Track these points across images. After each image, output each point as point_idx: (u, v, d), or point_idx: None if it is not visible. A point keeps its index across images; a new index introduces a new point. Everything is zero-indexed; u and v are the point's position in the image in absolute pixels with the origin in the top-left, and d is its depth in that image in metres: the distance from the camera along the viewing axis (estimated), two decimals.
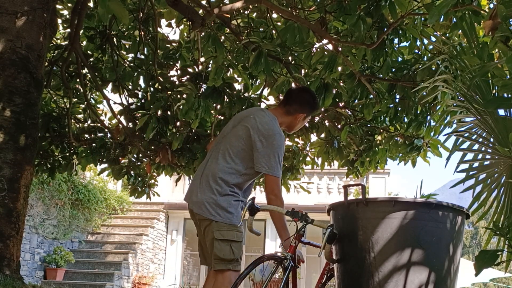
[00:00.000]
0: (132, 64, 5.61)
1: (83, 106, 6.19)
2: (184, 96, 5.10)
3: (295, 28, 4.18)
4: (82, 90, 5.75)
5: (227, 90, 5.05)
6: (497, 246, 2.80)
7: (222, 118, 5.56)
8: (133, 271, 12.71)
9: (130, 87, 5.71)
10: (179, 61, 5.63)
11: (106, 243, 13.15)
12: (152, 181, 6.80)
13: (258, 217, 3.12)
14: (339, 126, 5.79)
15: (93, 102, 6.45)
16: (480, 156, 3.07)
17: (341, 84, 4.91)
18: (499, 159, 2.86)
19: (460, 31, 3.86)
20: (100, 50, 5.42)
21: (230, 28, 4.92)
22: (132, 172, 6.42)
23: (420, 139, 5.63)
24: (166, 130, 5.59)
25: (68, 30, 5.40)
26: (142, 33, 5.28)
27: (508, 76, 2.65)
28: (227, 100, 5.10)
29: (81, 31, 5.23)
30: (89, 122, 6.28)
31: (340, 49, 4.38)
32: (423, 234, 2.68)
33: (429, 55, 4.79)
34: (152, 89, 5.60)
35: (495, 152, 2.86)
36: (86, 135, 6.15)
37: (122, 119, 5.75)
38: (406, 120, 5.31)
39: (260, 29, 5.09)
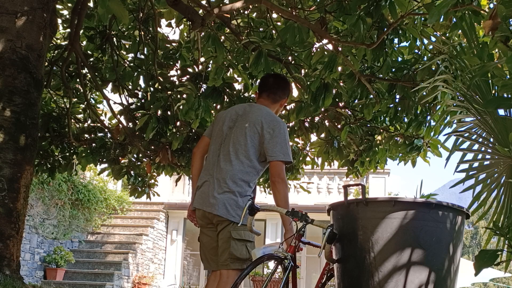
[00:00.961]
0: (132, 64, 5.60)
1: (83, 106, 6.19)
2: (184, 96, 5.10)
3: (295, 28, 4.18)
4: (82, 90, 5.75)
5: (227, 90, 5.06)
6: (497, 246, 2.80)
7: None
8: (133, 271, 12.71)
9: (130, 87, 5.70)
10: (179, 61, 5.63)
11: (106, 243, 13.15)
12: (152, 181, 6.80)
13: (258, 217, 3.13)
14: (339, 126, 5.80)
15: (93, 102, 6.45)
16: (480, 156, 3.07)
17: (341, 84, 4.91)
18: (499, 159, 2.86)
19: (460, 31, 3.86)
20: (100, 50, 5.42)
21: (230, 28, 4.92)
22: (132, 172, 6.42)
23: (420, 139, 5.64)
24: (166, 130, 5.59)
25: (68, 30, 5.40)
26: (142, 33, 5.28)
27: (508, 76, 2.66)
28: (227, 100, 5.10)
29: (81, 31, 5.23)
30: (89, 122, 6.28)
31: (340, 49, 4.38)
32: (423, 234, 2.68)
33: (429, 55, 4.79)
34: (152, 89, 5.60)
35: (495, 152, 2.86)
36: (86, 135, 6.15)
37: (122, 119, 5.75)
38: (406, 120, 5.31)
39: (260, 29, 5.09)
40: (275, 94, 3.49)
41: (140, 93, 5.88)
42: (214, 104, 5.19)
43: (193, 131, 5.66)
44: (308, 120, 5.95)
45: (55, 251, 11.35)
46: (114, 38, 5.41)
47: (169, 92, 5.35)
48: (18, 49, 3.76)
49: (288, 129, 6.01)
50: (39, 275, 11.02)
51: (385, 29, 4.01)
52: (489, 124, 2.84)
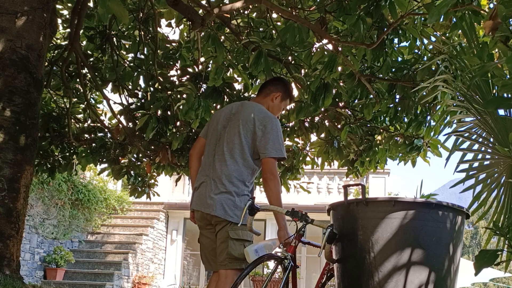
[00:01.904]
0: (132, 64, 5.61)
1: (83, 106, 6.19)
2: (184, 96, 5.10)
3: (295, 28, 4.18)
4: (82, 90, 5.75)
5: (227, 90, 5.06)
6: (497, 246, 2.80)
7: None
8: (133, 271, 12.70)
9: (130, 87, 5.70)
10: (179, 61, 5.63)
11: (106, 243, 13.15)
12: (152, 181, 6.80)
13: (258, 217, 3.14)
14: (339, 126, 5.80)
15: (93, 102, 6.45)
16: (480, 156, 3.07)
17: (341, 84, 4.91)
18: (499, 159, 2.86)
19: (460, 31, 3.86)
20: (100, 50, 5.42)
21: (230, 28, 4.92)
22: (132, 172, 6.42)
23: (420, 139, 5.64)
24: (166, 130, 5.59)
25: (68, 30, 5.40)
26: (142, 33, 5.28)
27: (508, 76, 2.66)
28: (227, 100, 5.10)
29: (81, 31, 5.23)
30: (89, 122, 6.28)
31: (340, 49, 4.38)
32: (423, 234, 2.68)
33: (429, 55, 4.79)
34: (152, 89, 5.60)
35: (495, 152, 2.86)
36: (86, 135, 6.15)
37: (122, 119, 5.75)
38: (406, 120, 5.31)
39: (260, 29, 5.09)
40: (265, 88, 3.55)
41: (140, 93, 5.88)
42: (214, 104, 5.19)
43: (193, 131, 5.66)
44: (308, 120, 5.95)
45: (55, 251, 11.35)
46: (114, 38, 5.41)
47: (169, 92, 5.35)
48: (18, 49, 3.76)
49: (288, 129, 6.03)
50: (39, 275, 11.02)
51: (385, 29, 4.01)
52: (489, 124, 2.84)
